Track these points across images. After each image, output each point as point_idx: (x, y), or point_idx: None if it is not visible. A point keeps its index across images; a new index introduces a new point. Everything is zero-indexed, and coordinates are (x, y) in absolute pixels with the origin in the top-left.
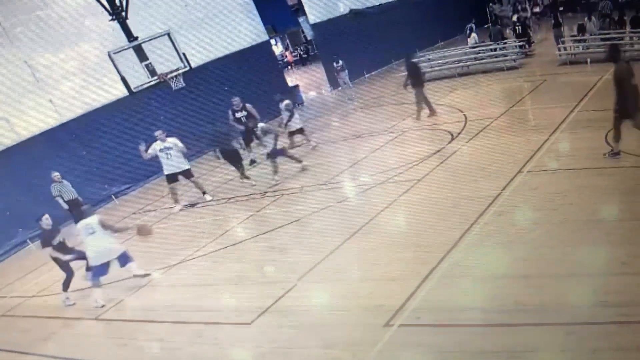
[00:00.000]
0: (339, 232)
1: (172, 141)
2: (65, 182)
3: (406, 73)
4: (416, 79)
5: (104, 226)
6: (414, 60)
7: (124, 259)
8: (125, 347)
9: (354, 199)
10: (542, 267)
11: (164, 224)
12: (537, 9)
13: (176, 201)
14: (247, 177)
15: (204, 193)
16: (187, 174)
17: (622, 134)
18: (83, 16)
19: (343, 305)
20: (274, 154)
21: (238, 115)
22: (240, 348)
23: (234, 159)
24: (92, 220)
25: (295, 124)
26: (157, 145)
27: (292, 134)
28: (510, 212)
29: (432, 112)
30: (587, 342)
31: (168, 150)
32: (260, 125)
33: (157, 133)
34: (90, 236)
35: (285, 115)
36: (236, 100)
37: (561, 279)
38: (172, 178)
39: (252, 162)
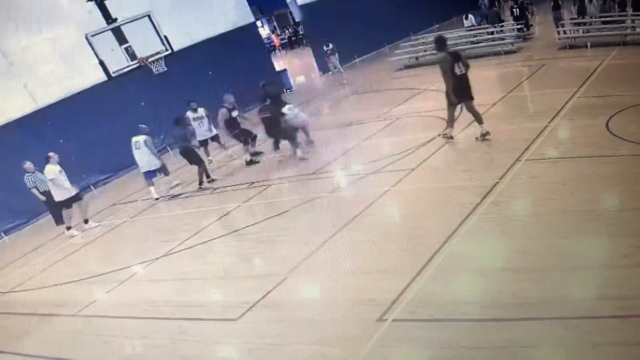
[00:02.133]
0: (330, 223)
1: (203, 111)
2: (38, 172)
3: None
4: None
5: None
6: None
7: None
8: (106, 344)
9: (345, 189)
10: (540, 259)
11: (145, 216)
12: None
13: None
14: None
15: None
16: (217, 138)
17: (454, 118)
18: None
19: (335, 300)
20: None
21: (234, 114)
22: (227, 344)
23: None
24: (140, 138)
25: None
26: (189, 115)
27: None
28: (508, 202)
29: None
30: (587, 337)
31: (200, 120)
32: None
33: (192, 104)
34: (136, 150)
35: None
36: (231, 98)
37: (560, 272)
38: (203, 143)
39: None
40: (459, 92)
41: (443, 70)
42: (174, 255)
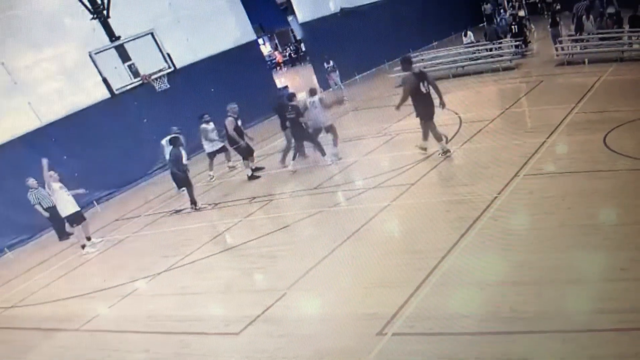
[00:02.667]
0: (330, 238)
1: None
2: (41, 189)
3: None
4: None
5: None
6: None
7: None
8: (108, 358)
9: (345, 204)
10: (539, 273)
11: (148, 231)
12: (522, 12)
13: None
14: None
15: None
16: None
17: (439, 134)
18: (62, 15)
19: (335, 314)
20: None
21: (239, 122)
22: (228, 358)
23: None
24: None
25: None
26: (205, 127)
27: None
28: (507, 217)
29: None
30: (585, 350)
31: (215, 130)
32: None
33: (206, 116)
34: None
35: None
36: (235, 107)
37: (558, 285)
38: (212, 155)
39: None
40: (422, 110)
41: (408, 89)
42: (176, 270)
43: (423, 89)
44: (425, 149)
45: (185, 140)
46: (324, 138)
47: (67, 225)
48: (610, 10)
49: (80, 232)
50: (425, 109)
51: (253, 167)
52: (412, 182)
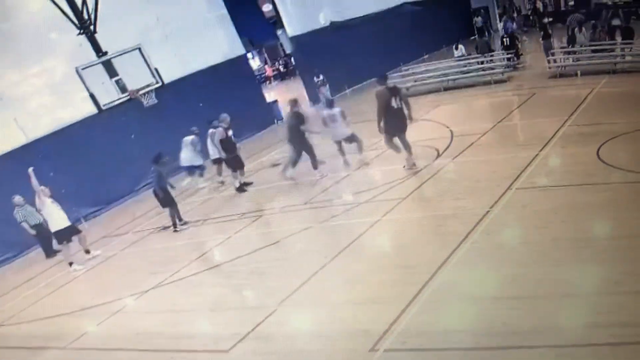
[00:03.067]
0: (321, 254)
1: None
2: (28, 206)
3: None
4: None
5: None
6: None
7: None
8: None
9: (336, 219)
10: (532, 287)
11: (136, 248)
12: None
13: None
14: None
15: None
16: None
17: (398, 147)
18: (49, 30)
19: (326, 331)
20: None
21: (230, 133)
22: None
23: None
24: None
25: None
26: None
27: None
28: (499, 231)
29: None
30: None
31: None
32: None
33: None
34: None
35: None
36: (227, 117)
37: (552, 300)
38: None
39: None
40: (395, 125)
41: (379, 104)
42: (165, 287)
43: (394, 104)
44: (414, 164)
45: (200, 145)
46: (348, 147)
47: (54, 242)
48: (616, 22)
49: (68, 250)
50: (396, 124)
51: (241, 182)
52: (403, 197)
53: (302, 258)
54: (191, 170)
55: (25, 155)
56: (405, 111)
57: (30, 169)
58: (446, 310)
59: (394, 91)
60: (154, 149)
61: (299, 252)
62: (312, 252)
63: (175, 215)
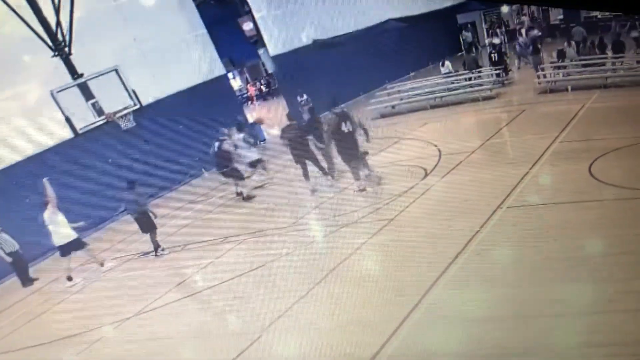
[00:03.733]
0: (307, 277)
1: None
2: (4, 234)
3: None
4: None
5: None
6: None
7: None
8: None
9: (322, 241)
10: (524, 307)
11: (116, 274)
12: (496, 40)
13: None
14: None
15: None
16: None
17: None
18: (22, 52)
19: (312, 356)
20: None
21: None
22: None
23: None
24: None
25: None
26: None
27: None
28: (490, 251)
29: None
30: None
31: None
32: None
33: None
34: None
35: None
36: (225, 130)
37: (545, 320)
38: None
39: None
40: (347, 150)
41: (327, 130)
42: (146, 314)
43: (345, 129)
44: (363, 189)
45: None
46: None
47: (29, 271)
48: (635, 34)
49: (69, 264)
50: (348, 149)
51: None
52: (391, 217)
53: (288, 282)
54: (252, 165)
55: None
56: (361, 135)
57: (45, 179)
58: (437, 332)
59: (343, 116)
60: (132, 173)
61: (284, 275)
62: (298, 275)
63: (156, 239)
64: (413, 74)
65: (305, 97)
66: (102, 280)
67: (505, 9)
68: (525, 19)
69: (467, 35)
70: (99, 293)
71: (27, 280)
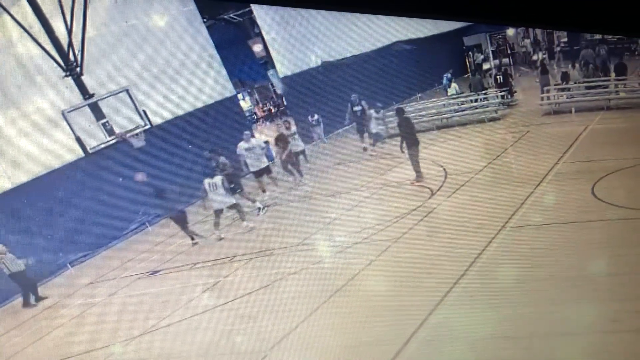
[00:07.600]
0: (313, 296)
1: (256, 141)
2: (10, 254)
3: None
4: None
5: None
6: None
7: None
8: None
9: (328, 260)
10: (528, 326)
11: (124, 293)
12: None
13: (263, 191)
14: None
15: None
16: (268, 170)
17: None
18: (34, 72)
19: None
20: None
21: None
22: None
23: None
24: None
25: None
26: (241, 145)
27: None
28: (494, 270)
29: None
30: None
31: (252, 150)
32: None
33: (245, 133)
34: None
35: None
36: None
37: (548, 339)
38: (258, 173)
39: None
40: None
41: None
42: (153, 333)
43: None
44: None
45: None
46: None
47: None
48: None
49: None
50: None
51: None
52: (397, 237)
53: (294, 301)
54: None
55: (9, 200)
56: None
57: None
58: (442, 351)
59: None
60: (142, 192)
61: (290, 295)
62: (305, 294)
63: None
64: (420, 95)
65: (316, 116)
66: (110, 300)
67: (510, 31)
68: (527, 41)
69: (477, 56)
70: (107, 312)
71: (28, 302)
